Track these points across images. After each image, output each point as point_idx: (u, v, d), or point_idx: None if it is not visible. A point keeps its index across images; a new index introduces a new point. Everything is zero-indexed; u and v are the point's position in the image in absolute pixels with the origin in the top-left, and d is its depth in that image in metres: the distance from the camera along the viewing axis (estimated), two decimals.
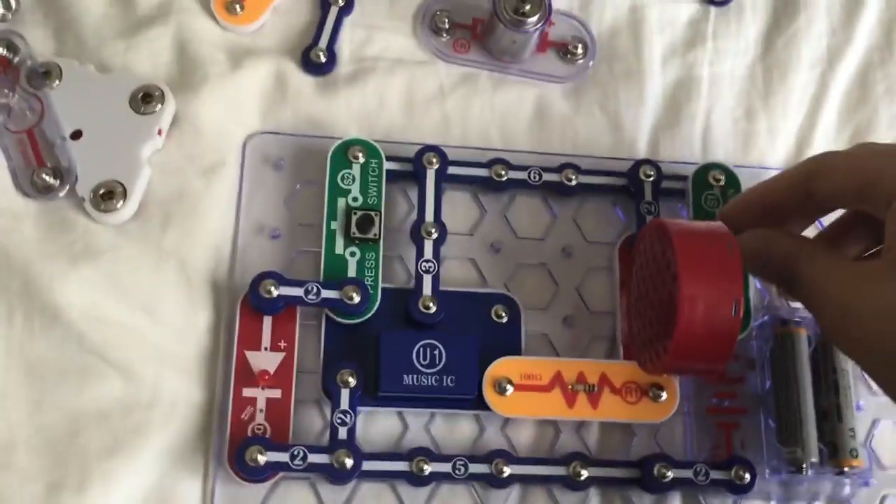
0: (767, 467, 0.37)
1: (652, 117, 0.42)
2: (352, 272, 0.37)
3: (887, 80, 0.44)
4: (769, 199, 0.35)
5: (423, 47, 0.42)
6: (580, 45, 0.42)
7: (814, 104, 0.44)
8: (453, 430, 0.37)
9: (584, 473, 0.36)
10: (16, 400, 0.34)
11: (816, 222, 0.37)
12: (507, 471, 0.35)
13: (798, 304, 0.40)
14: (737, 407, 0.38)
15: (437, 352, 0.36)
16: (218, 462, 0.35)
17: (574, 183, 0.40)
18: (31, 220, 0.36)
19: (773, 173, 0.41)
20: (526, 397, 0.36)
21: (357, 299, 0.36)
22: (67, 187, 0.36)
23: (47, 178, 0.36)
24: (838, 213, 0.35)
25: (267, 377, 0.35)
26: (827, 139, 0.43)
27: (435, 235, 0.38)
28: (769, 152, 0.43)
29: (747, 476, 0.36)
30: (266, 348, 0.36)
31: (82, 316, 0.35)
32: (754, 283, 0.40)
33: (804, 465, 0.36)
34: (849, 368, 0.38)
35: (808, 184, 0.33)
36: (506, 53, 0.42)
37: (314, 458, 0.34)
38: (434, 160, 0.39)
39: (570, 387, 0.37)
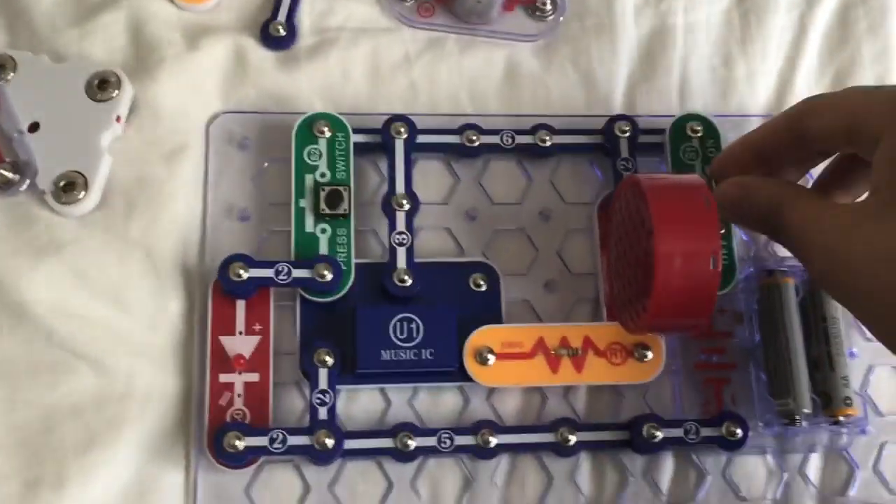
0: (760, 421, 0.36)
1: (626, 71, 0.41)
2: (324, 249, 0.36)
3: (869, 17, 0.43)
4: (761, 143, 0.34)
5: (387, 14, 0.41)
6: (549, 2, 0.41)
7: (793, 47, 0.42)
8: (437, 403, 0.36)
9: (573, 439, 0.35)
10: None
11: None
12: (493, 441, 0.35)
13: (786, 253, 0.39)
14: (725, 362, 0.38)
15: (413, 325, 0.36)
16: (199, 450, 0.34)
17: (548, 144, 0.39)
18: None
19: (755, 121, 0.41)
20: (508, 366, 0.36)
21: (329, 277, 0.35)
22: (28, 181, 0.36)
23: (6, 173, 0.35)
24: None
25: (243, 361, 0.35)
26: (808, 82, 0.42)
27: (407, 207, 0.37)
28: (749, 99, 0.41)
29: (739, 431, 0.35)
30: (241, 332, 0.35)
31: (50, 311, 0.34)
32: (739, 234, 0.39)
33: (797, 417, 0.36)
34: (839, 316, 0.37)
35: (800, 125, 0.32)
36: (472, 14, 0.41)
37: (294, 440, 0.34)
38: (402, 130, 0.38)
39: (553, 352, 0.36)
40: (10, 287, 0.34)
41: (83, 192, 0.35)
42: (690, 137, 0.39)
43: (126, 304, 0.35)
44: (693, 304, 0.32)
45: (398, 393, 0.36)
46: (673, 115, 0.39)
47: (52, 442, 0.33)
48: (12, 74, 0.37)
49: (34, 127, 0.36)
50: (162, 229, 0.36)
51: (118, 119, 0.37)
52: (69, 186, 0.35)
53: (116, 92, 0.37)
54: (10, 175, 0.35)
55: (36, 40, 0.38)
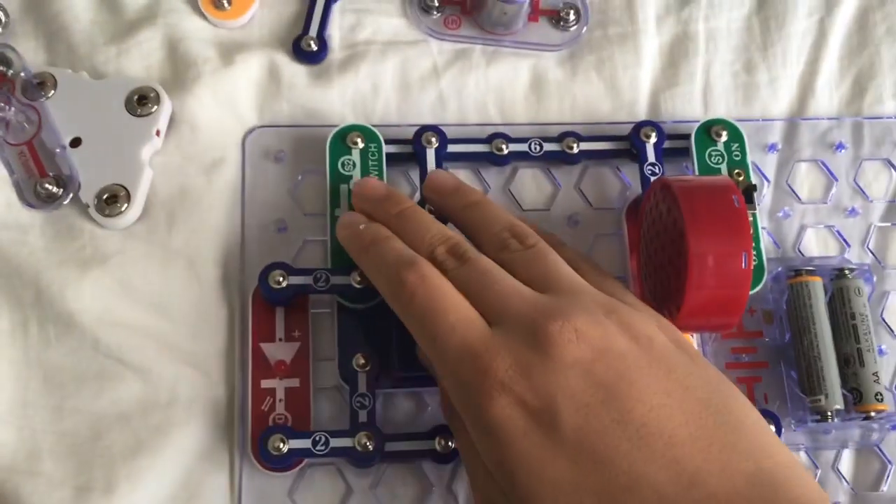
0: (793, 418, 0.37)
1: (650, 78, 0.42)
2: None
3: (887, 21, 0.44)
4: None
5: (414, 27, 0.42)
6: (572, 11, 0.42)
7: (814, 52, 0.43)
8: None
9: None
10: (37, 408, 0.35)
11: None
12: None
13: (813, 252, 0.40)
14: (757, 361, 0.38)
15: None
16: (242, 454, 0.35)
17: (576, 151, 0.40)
18: (37, 231, 0.37)
19: (777, 125, 0.41)
20: None
21: (366, 283, 0.36)
22: (71, 195, 0.37)
23: (50, 187, 0.36)
24: None
25: (284, 367, 0.36)
26: (829, 86, 0.43)
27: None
28: (771, 104, 0.42)
29: (772, 428, 0.36)
30: (281, 339, 0.36)
31: (96, 321, 0.35)
32: (766, 235, 0.39)
33: (829, 413, 0.36)
34: (867, 313, 0.38)
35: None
36: (498, 25, 0.42)
37: (336, 442, 0.34)
38: (433, 140, 0.39)
39: None
40: (57, 298, 0.35)
41: (126, 205, 0.36)
42: (715, 141, 0.39)
43: (169, 313, 0.36)
44: (726, 303, 0.33)
45: (435, 396, 0.37)
46: (697, 121, 0.40)
47: (100, 448, 0.34)
48: (53, 91, 0.38)
49: (76, 142, 0.37)
50: (203, 240, 0.37)
51: (157, 133, 0.38)
52: (112, 199, 0.36)
53: (155, 107, 0.38)
54: (53, 189, 0.36)
55: (75, 58, 0.39)
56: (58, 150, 0.37)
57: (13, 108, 0.37)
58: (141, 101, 0.38)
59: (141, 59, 0.39)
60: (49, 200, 0.36)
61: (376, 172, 0.38)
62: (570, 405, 0.27)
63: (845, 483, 0.37)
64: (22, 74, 0.38)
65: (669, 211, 0.34)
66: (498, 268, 0.31)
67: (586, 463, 0.27)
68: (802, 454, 0.37)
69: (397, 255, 0.32)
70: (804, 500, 0.26)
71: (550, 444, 0.27)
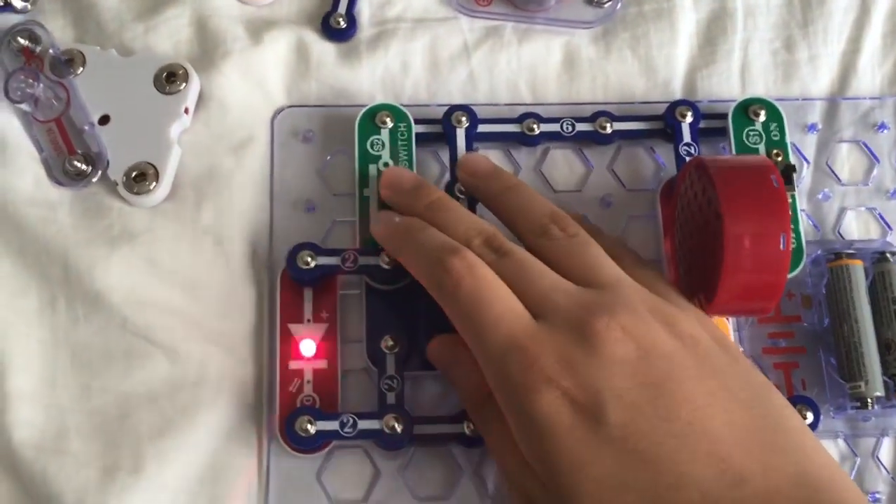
0: (832, 405, 0.36)
1: (686, 56, 0.41)
2: None
3: None
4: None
5: (445, 3, 0.41)
6: None
7: (855, 29, 0.42)
8: None
9: None
10: (65, 387, 0.34)
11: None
12: None
13: (853, 235, 0.39)
14: (794, 346, 0.37)
15: None
16: (271, 436, 0.35)
17: (609, 131, 0.39)
18: (66, 208, 0.36)
19: (818, 104, 0.40)
20: None
21: (395, 264, 0.35)
22: (100, 172, 0.36)
23: (79, 164, 0.36)
24: None
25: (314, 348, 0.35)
26: (872, 64, 0.41)
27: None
28: (811, 83, 0.41)
29: (810, 415, 0.35)
30: (309, 320, 0.36)
31: (124, 299, 0.35)
32: (805, 217, 0.38)
33: (869, 400, 0.35)
34: None
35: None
36: (530, 2, 0.41)
37: (364, 424, 0.34)
38: (463, 119, 0.38)
39: None
40: (85, 276, 0.35)
41: (154, 183, 0.36)
42: (753, 121, 0.38)
43: (198, 293, 0.36)
44: (763, 286, 0.32)
45: None
46: (734, 100, 0.39)
47: (127, 427, 0.34)
48: (82, 69, 0.38)
49: (104, 119, 0.37)
50: (231, 219, 0.37)
51: (186, 111, 0.37)
52: (140, 177, 0.36)
53: (184, 85, 0.37)
54: (82, 166, 0.36)
55: (103, 35, 0.39)
56: (86, 128, 0.37)
57: (42, 85, 0.36)
58: (169, 79, 0.37)
59: (169, 37, 0.39)
60: (78, 178, 0.36)
61: (405, 152, 0.37)
62: (617, 402, 0.27)
63: (885, 471, 0.36)
64: (50, 51, 0.38)
65: (705, 191, 0.33)
66: (537, 261, 0.31)
67: (631, 460, 0.26)
68: (841, 442, 0.36)
69: (440, 242, 0.32)
70: (843, 501, 0.26)
71: (596, 441, 0.27)
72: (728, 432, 0.27)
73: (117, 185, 0.36)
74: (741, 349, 0.37)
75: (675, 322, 0.29)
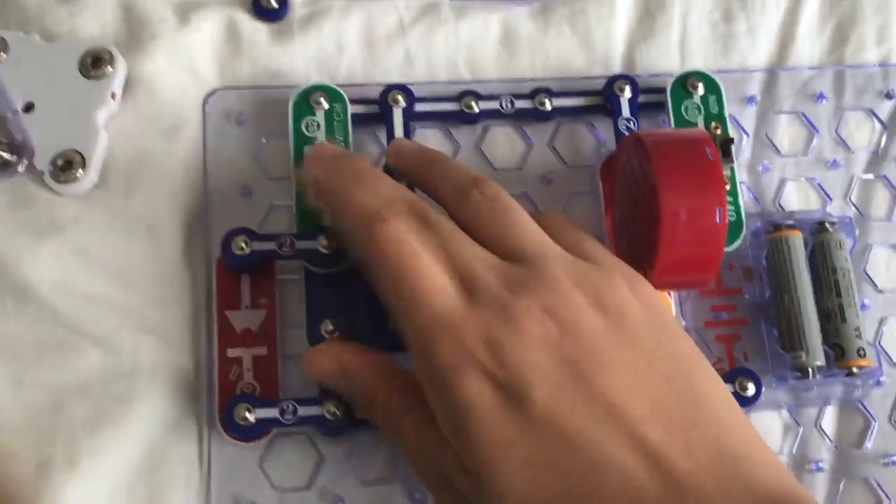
0: (774, 376, 0.36)
1: (625, 30, 0.41)
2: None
3: None
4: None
5: None
6: None
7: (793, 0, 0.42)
8: None
9: None
10: None
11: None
12: None
13: (794, 207, 0.39)
14: (737, 319, 0.37)
15: None
16: (211, 425, 0.34)
17: (548, 108, 0.38)
18: None
19: (757, 76, 0.40)
20: None
21: (333, 247, 0.35)
22: (25, 162, 0.35)
23: (3, 154, 0.35)
24: None
25: (250, 335, 0.35)
26: (810, 34, 0.41)
27: None
28: (751, 54, 0.41)
29: (752, 387, 0.35)
30: (247, 307, 0.35)
31: (54, 291, 0.34)
32: (745, 189, 0.38)
33: (810, 370, 0.35)
34: (849, 267, 0.37)
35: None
36: None
37: (304, 411, 0.33)
38: (400, 98, 0.37)
39: None
40: (13, 268, 0.34)
41: (81, 171, 0.35)
42: (691, 94, 0.38)
43: (130, 282, 0.35)
44: (700, 260, 0.32)
45: (408, 362, 0.36)
46: (674, 74, 0.39)
47: (61, 421, 0.33)
48: (4, 55, 0.36)
49: (29, 107, 0.36)
50: (163, 206, 0.36)
51: (113, 96, 0.36)
52: (67, 165, 0.35)
53: (110, 69, 0.36)
54: (7, 156, 0.35)
55: (25, 19, 0.37)
56: (10, 116, 0.35)
57: None
58: (95, 63, 0.36)
59: (94, 20, 0.38)
60: (3, 168, 0.35)
61: (342, 133, 0.37)
62: (540, 383, 0.27)
63: (828, 440, 0.37)
64: None
65: (641, 166, 0.33)
66: (460, 232, 0.30)
67: (555, 441, 0.26)
68: (784, 412, 0.37)
69: (366, 208, 0.31)
70: (762, 475, 0.26)
71: (519, 421, 0.27)
72: (649, 410, 0.26)
73: (43, 174, 0.35)
74: (682, 321, 0.37)
75: (600, 293, 0.29)
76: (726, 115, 0.38)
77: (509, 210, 0.31)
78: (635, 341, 0.28)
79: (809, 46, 0.41)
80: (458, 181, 0.32)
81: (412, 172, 0.34)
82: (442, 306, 0.28)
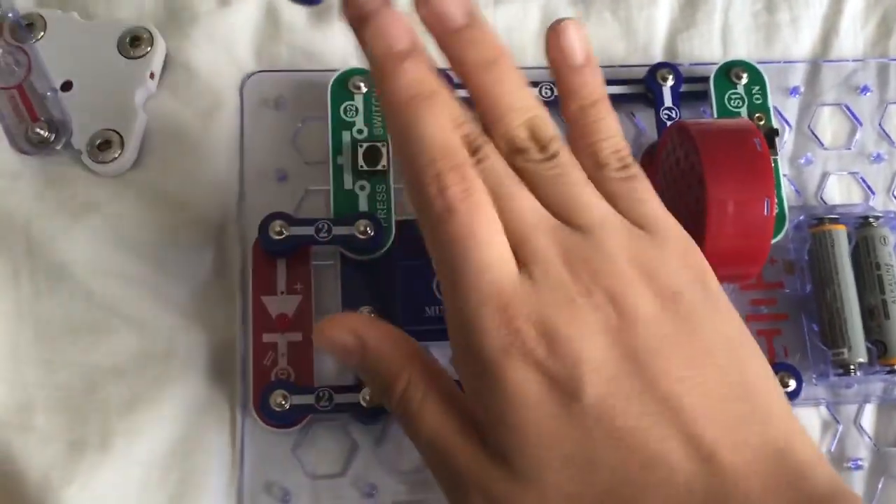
0: (814, 372, 0.36)
1: (667, 18, 0.40)
2: (363, 206, 0.35)
3: None
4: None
5: None
6: None
7: None
8: None
9: None
10: (29, 361, 0.33)
11: None
12: None
13: (836, 200, 0.38)
14: (777, 313, 0.37)
15: None
16: (244, 411, 0.34)
17: None
18: (28, 178, 0.35)
19: (799, 66, 0.40)
20: None
21: (370, 233, 0.34)
22: (63, 140, 0.35)
23: (42, 132, 0.35)
24: None
25: (286, 321, 0.34)
26: (854, 26, 0.41)
27: None
28: (793, 45, 0.40)
29: (792, 383, 0.35)
30: (282, 292, 0.35)
31: (89, 271, 0.34)
32: (787, 182, 0.38)
33: (852, 367, 0.35)
34: (893, 263, 0.36)
35: None
36: None
37: (340, 398, 0.33)
38: None
39: None
40: (48, 248, 0.34)
41: (119, 151, 0.35)
42: (735, 84, 0.38)
43: (165, 264, 0.35)
44: (746, 252, 0.32)
45: (440, 349, 0.35)
46: (716, 63, 0.38)
47: (95, 402, 0.33)
48: (42, 33, 0.36)
49: (67, 86, 0.36)
50: (199, 188, 0.36)
51: (151, 76, 0.36)
52: (105, 145, 0.35)
53: (149, 49, 0.36)
54: (45, 134, 0.35)
55: None
56: (49, 94, 0.35)
57: (1, 50, 0.35)
58: (134, 43, 0.36)
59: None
60: (41, 146, 0.35)
61: (380, 119, 0.36)
62: (594, 377, 0.25)
63: (867, 438, 0.36)
64: (10, 15, 0.36)
65: (687, 156, 0.32)
66: (518, 182, 0.27)
67: (603, 438, 0.25)
68: (823, 409, 0.36)
69: (443, 143, 0.26)
70: (809, 473, 0.25)
71: (568, 416, 0.25)
72: (702, 405, 0.25)
73: (81, 153, 0.35)
74: None
75: (656, 273, 0.26)
76: (770, 105, 0.37)
77: (569, 174, 0.27)
78: (692, 329, 0.26)
79: (853, 38, 0.41)
80: (512, 119, 0.27)
81: (456, 59, 0.29)
82: (501, 282, 0.25)
